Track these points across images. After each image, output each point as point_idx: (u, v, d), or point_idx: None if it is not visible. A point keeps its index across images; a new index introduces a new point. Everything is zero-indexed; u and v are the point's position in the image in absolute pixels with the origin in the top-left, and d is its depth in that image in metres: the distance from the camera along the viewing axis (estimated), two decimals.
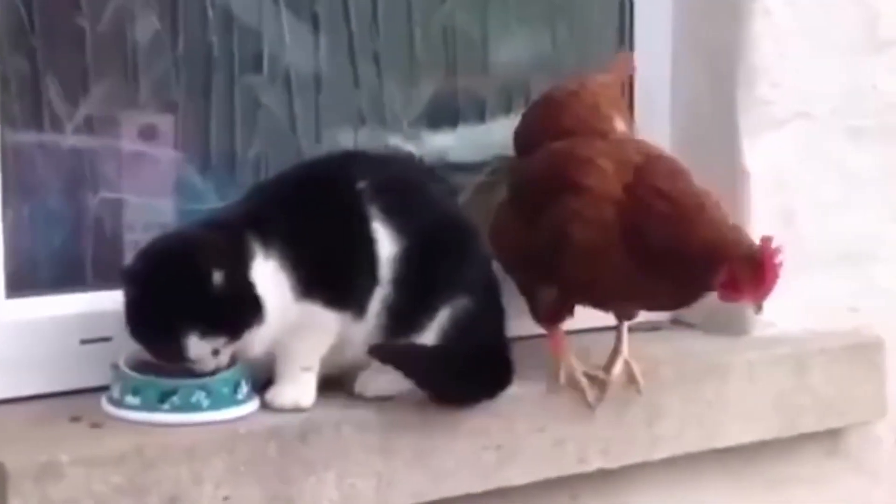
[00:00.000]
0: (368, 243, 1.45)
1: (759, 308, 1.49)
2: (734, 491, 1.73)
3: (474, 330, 1.48)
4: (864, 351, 1.78)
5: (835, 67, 1.80)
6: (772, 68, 1.76)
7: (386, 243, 1.45)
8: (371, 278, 1.44)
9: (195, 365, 1.39)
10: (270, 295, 1.41)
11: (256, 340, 1.41)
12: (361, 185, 1.46)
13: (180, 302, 1.37)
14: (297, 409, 1.43)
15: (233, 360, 1.42)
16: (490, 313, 1.51)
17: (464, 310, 1.48)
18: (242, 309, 1.39)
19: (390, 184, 1.48)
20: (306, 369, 1.45)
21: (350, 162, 1.51)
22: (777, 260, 1.47)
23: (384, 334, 1.45)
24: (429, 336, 1.47)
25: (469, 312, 1.48)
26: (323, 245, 1.43)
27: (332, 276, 1.44)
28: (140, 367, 1.41)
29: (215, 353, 1.39)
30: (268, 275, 1.41)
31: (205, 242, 1.39)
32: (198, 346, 1.38)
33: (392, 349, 1.45)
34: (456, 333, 1.47)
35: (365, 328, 1.45)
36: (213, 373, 1.40)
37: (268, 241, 1.42)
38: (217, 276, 1.37)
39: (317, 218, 1.44)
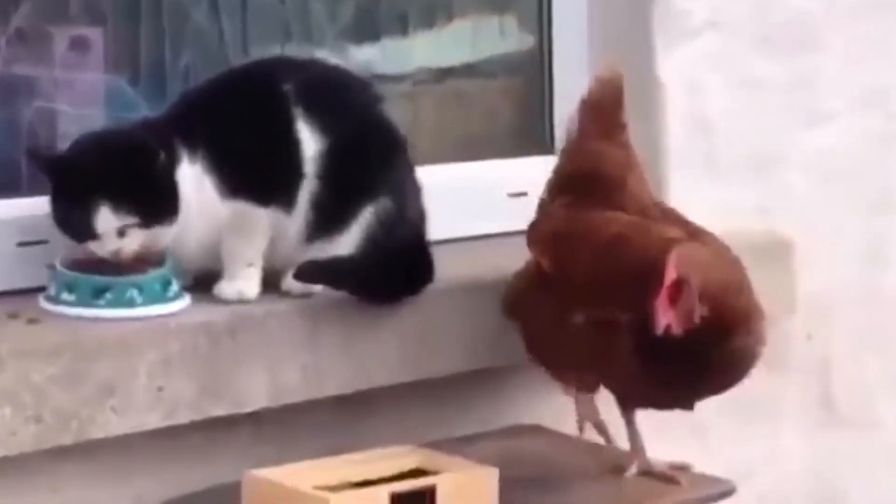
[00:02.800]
0: (293, 142, 1.51)
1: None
2: None
3: (396, 229, 1.55)
4: (774, 251, 1.87)
5: None
6: None
7: (310, 142, 1.52)
8: (297, 175, 1.51)
9: (99, 243, 1.44)
10: (194, 198, 1.48)
11: (165, 239, 1.47)
12: (286, 86, 1.52)
13: (100, 174, 1.43)
14: (242, 301, 1.51)
15: (138, 262, 1.47)
16: (412, 214, 1.58)
17: (386, 210, 1.55)
18: (159, 197, 1.45)
19: (315, 85, 1.54)
20: (249, 265, 1.52)
21: (276, 66, 1.57)
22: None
23: (312, 229, 1.52)
24: (354, 234, 1.54)
25: (391, 212, 1.55)
26: (247, 145, 1.50)
27: (257, 175, 1.51)
28: (75, 267, 1.48)
29: (121, 233, 1.45)
30: (193, 178, 1.49)
31: (136, 132, 1.46)
32: (106, 219, 1.44)
33: (315, 269, 1.52)
34: (380, 231, 1.54)
35: (295, 224, 1.52)
36: (113, 269, 1.45)
37: (193, 146, 1.49)
38: (142, 159, 1.44)
39: (242, 120, 1.50)
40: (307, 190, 1.52)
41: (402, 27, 1.82)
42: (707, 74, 1.88)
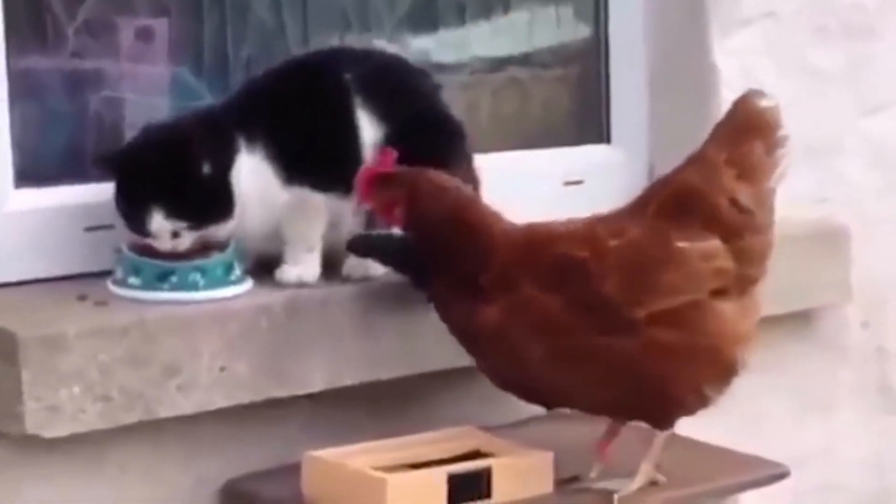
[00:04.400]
0: (352, 130, 1.54)
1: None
2: None
3: None
4: (829, 238, 1.88)
5: None
6: None
7: (369, 130, 1.55)
8: (355, 161, 1.54)
9: (154, 240, 1.49)
10: (254, 185, 1.51)
11: (221, 234, 1.51)
12: (347, 75, 1.55)
13: (155, 179, 1.48)
14: (303, 284, 1.54)
15: (202, 248, 1.51)
16: None
17: None
18: (210, 202, 1.49)
19: (375, 75, 1.57)
20: (309, 249, 1.56)
21: (336, 56, 1.61)
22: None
23: (370, 214, 1.55)
24: None
25: None
26: (308, 133, 1.53)
27: (317, 162, 1.54)
28: (141, 251, 1.51)
29: (175, 234, 1.49)
30: (253, 167, 1.52)
31: (191, 133, 1.50)
32: (159, 223, 1.48)
33: (366, 242, 1.56)
34: None
35: (353, 208, 1.55)
36: (176, 256, 1.49)
37: (253, 135, 1.52)
38: (196, 166, 1.48)
39: (303, 108, 1.54)
40: None
41: (459, 17, 1.84)
42: (763, 62, 1.88)
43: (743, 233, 1.45)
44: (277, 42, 1.72)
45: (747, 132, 1.47)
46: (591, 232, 1.45)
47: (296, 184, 1.53)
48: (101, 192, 1.54)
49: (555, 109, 1.92)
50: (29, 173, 1.55)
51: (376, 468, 1.42)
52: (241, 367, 1.47)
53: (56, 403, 1.37)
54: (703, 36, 1.86)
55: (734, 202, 1.45)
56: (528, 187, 1.80)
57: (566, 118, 1.92)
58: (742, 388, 1.83)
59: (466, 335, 1.46)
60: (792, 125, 1.90)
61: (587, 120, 1.92)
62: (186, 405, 1.44)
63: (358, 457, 1.44)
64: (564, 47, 1.91)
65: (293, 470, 1.45)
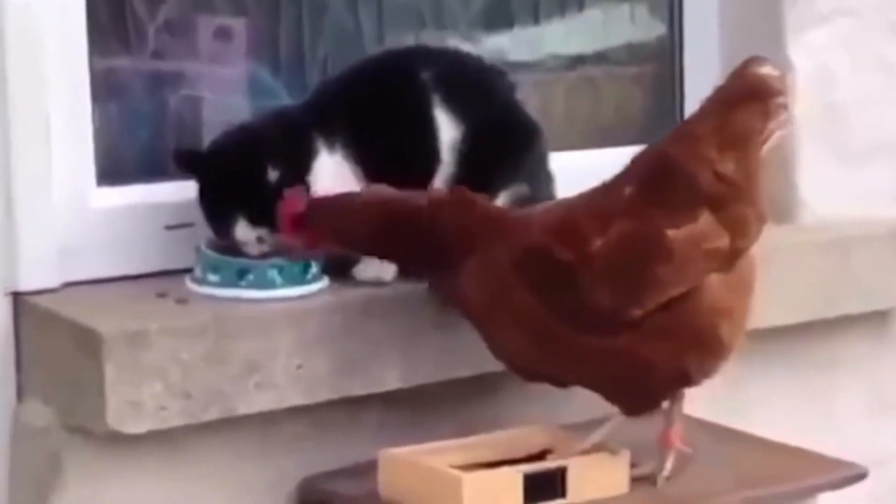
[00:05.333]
0: (431, 129, 1.55)
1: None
2: (779, 371, 1.82)
3: None
4: None
5: None
6: None
7: (448, 129, 1.56)
8: (434, 160, 1.55)
9: (243, 246, 1.52)
10: (333, 186, 1.52)
11: None
12: (425, 75, 1.56)
13: (236, 190, 1.50)
14: (379, 282, 1.55)
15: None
16: (544, 200, 1.61)
17: (520, 196, 1.58)
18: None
19: (452, 74, 1.58)
20: None
21: (414, 55, 1.62)
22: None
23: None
24: None
25: (525, 199, 1.58)
26: (387, 132, 1.55)
27: (397, 161, 1.54)
28: (220, 249, 1.53)
29: (260, 240, 1.52)
30: (332, 167, 1.53)
31: (267, 139, 1.52)
32: (244, 231, 1.51)
33: None
34: None
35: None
36: (261, 256, 1.52)
37: (333, 135, 1.53)
38: (271, 173, 1.50)
39: (382, 107, 1.55)
40: (443, 175, 1.55)
41: (533, 15, 1.84)
42: (838, 59, 1.87)
43: (727, 204, 1.36)
44: (353, 41, 1.73)
45: (739, 99, 1.37)
46: (573, 225, 1.38)
47: (376, 183, 1.54)
48: (182, 190, 1.56)
49: (629, 108, 1.91)
50: (110, 172, 1.57)
51: (452, 466, 1.42)
52: (317, 365, 1.48)
53: (138, 399, 1.38)
54: (777, 33, 1.85)
55: (716, 173, 1.36)
56: None
57: (640, 117, 1.92)
58: (819, 387, 1.85)
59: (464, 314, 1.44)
60: (868, 122, 1.91)
61: (661, 118, 1.92)
62: (264, 402, 1.45)
63: (433, 455, 1.45)
64: (639, 45, 1.91)
65: (369, 468, 1.46)
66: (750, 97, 1.37)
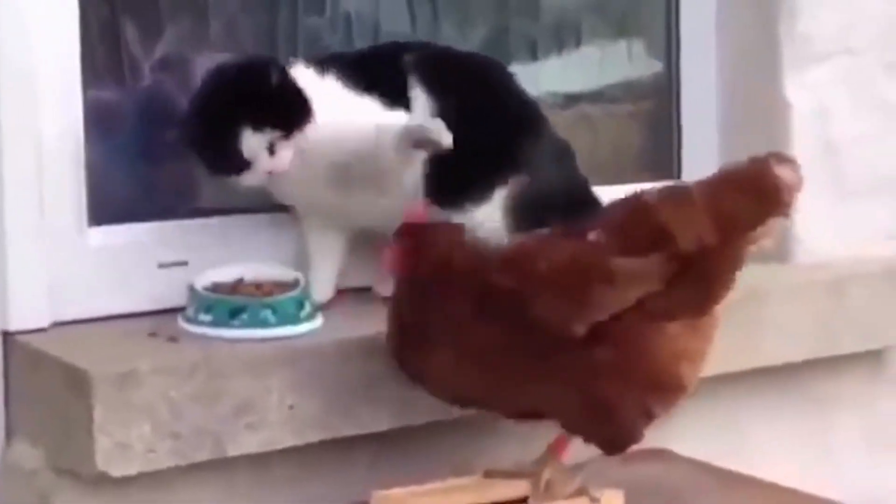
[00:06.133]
0: (405, 102, 1.54)
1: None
2: (776, 410, 1.81)
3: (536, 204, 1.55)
4: None
5: (874, 3, 1.86)
6: (812, 4, 1.83)
7: (420, 103, 1.54)
8: None
9: (254, 172, 1.49)
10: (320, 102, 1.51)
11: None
12: (407, 57, 1.56)
13: (227, 104, 1.49)
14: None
15: (296, 283, 1.53)
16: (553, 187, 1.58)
17: (523, 187, 1.55)
18: (290, 104, 1.50)
19: (435, 57, 1.58)
20: None
21: (404, 44, 1.62)
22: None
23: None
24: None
25: (531, 190, 1.55)
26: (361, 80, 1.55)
27: None
28: (213, 288, 1.53)
29: (271, 150, 1.50)
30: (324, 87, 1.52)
31: (254, 57, 1.53)
32: (249, 140, 1.49)
33: None
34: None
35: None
36: (248, 293, 1.51)
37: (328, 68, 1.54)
38: (258, 75, 1.49)
39: (362, 67, 1.55)
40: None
41: (531, 52, 1.84)
42: (836, 98, 1.87)
43: (692, 268, 1.36)
44: None
45: (747, 188, 1.35)
46: (521, 253, 1.41)
47: None
48: (174, 228, 1.56)
49: (626, 145, 1.91)
50: (102, 210, 1.57)
51: None
52: (310, 405, 1.47)
53: (127, 441, 1.38)
54: (775, 71, 1.85)
55: (700, 237, 1.35)
56: None
57: (637, 154, 1.92)
58: (816, 425, 1.84)
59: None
60: (865, 160, 1.90)
61: (658, 156, 1.92)
62: (255, 443, 1.44)
63: (426, 497, 1.44)
64: (636, 83, 1.91)
65: None
66: (758, 192, 1.35)
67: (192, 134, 1.52)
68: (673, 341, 1.38)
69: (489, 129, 1.56)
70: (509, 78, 1.63)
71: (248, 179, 1.51)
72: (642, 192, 1.40)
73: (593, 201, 1.62)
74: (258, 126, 1.49)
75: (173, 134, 1.55)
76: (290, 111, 1.50)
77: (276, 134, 1.50)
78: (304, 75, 1.53)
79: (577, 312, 1.37)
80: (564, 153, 1.62)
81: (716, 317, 1.41)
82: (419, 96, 1.55)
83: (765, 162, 1.35)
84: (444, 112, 1.53)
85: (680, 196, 1.38)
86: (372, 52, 1.63)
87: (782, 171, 1.34)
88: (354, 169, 1.53)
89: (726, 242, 1.35)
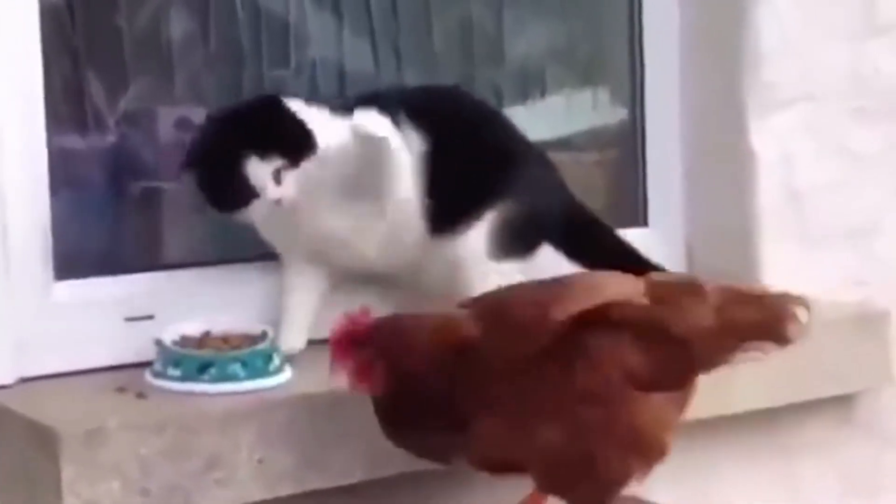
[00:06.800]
0: None
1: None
2: (747, 456, 1.81)
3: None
4: (870, 321, 1.85)
5: (837, 51, 1.88)
6: (775, 53, 1.84)
7: (412, 144, 1.56)
8: None
9: (261, 201, 1.49)
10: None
11: (313, 180, 1.51)
12: (390, 92, 1.61)
13: (233, 135, 1.49)
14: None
15: (264, 335, 1.52)
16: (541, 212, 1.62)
17: (511, 214, 1.59)
18: (294, 133, 1.51)
19: (419, 92, 1.63)
20: None
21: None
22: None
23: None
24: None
25: (520, 217, 1.59)
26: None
27: None
28: (181, 343, 1.52)
29: (276, 177, 1.49)
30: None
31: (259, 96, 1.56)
32: (257, 168, 1.49)
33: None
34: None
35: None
36: (216, 347, 1.50)
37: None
38: (262, 107, 1.51)
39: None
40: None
41: (496, 100, 1.84)
42: (800, 145, 1.88)
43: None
44: None
45: (758, 311, 1.41)
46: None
47: None
48: (141, 282, 1.55)
49: (592, 192, 1.91)
50: (69, 265, 1.56)
51: None
52: (279, 459, 1.45)
53: (95, 499, 1.36)
54: (739, 118, 1.85)
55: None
56: (567, 270, 1.79)
57: (603, 201, 1.92)
58: (787, 471, 1.84)
59: None
60: (830, 207, 1.91)
61: (624, 203, 1.92)
62: (224, 499, 1.42)
63: None
64: (601, 131, 1.92)
65: None
66: (768, 320, 1.40)
67: (198, 166, 1.51)
68: (658, 409, 1.40)
69: (475, 158, 1.59)
70: (491, 108, 1.67)
71: (256, 211, 1.51)
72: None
73: (591, 222, 1.68)
74: (264, 153, 1.49)
75: (178, 173, 1.54)
76: (295, 138, 1.51)
77: (282, 162, 1.50)
78: (296, 106, 1.54)
79: (556, 304, 1.38)
80: (553, 179, 1.65)
81: (696, 388, 1.44)
82: (408, 133, 1.56)
83: (785, 301, 1.41)
84: (434, 145, 1.56)
85: (690, 286, 1.42)
86: (356, 97, 1.62)
87: (797, 314, 1.40)
88: (355, 180, 1.54)
89: (723, 338, 1.40)
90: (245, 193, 1.49)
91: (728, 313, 1.40)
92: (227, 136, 1.50)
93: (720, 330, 1.40)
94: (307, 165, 1.51)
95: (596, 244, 1.67)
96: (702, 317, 1.39)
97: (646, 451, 1.42)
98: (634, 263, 1.65)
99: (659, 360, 1.40)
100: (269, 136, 1.49)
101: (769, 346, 1.42)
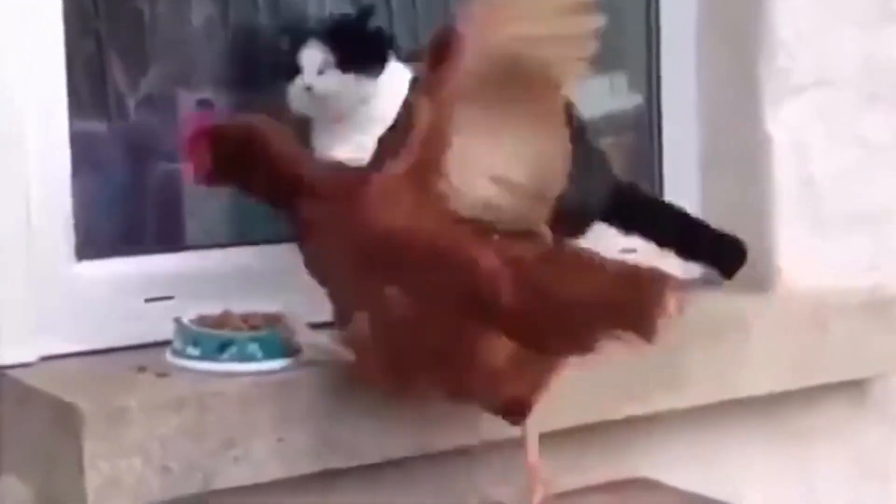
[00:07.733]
0: None
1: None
2: (759, 440, 1.82)
3: None
4: (883, 307, 1.86)
5: (851, 38, 1.89)
6: (790, 39, 1.85)
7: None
8: None
9: (297, 78, 1.56)
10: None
11: (358, 93, 1.56)
12: None
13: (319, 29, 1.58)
14: None
15: (283, 316, 1.53)
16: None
17: None
18: (363, 46, 1.56)
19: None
20: None
21: None
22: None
23: None
24: None
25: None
26: None
27: None
28: (201, 322, 1.53)
29: (320, 71, 1.55)
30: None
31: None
32: (310, 51, 1.56)
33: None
34: None
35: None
36: (235, 327, 1.51)
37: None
38: (357, 17, 1.58)
39: None
40: None
41: None
42: (815, 131, 1.89)
43: None
44: None
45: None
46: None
47: None
48: (161, 263, 1.56)
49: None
50: (90, 246, 1.57)
51: None
52: (298, 438, 1.47)
53: (117, 476, 1.37)
54: (755, 104, 1.86)
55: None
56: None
57: None
58: (799, 456, 1.85)
59: None
60: (844, 194, 1.92)
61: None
62: (244, 476, 1.44)
63: None
64: (617, 116, 1.93)
65: None
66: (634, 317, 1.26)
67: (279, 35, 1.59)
68: None
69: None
70: None
71: (292, 93, 1.57)
72: None
73: (643, 200, 1.71)
74: (322, 45, 1.55)
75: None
76: (359, 52, 1.55)
77: (334, 58, 1.55)
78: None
79: None
80: (600, 160, 1.66)
81: None
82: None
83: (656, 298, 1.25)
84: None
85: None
86: None
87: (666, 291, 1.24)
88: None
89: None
90: (287, 67, 1.56)
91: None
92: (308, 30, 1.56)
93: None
94: (360, 84, 1.55)
95: (655, 219, 1.70)
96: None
97: None
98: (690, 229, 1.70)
99: None
100: (332, 29, 1.55)
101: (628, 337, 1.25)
